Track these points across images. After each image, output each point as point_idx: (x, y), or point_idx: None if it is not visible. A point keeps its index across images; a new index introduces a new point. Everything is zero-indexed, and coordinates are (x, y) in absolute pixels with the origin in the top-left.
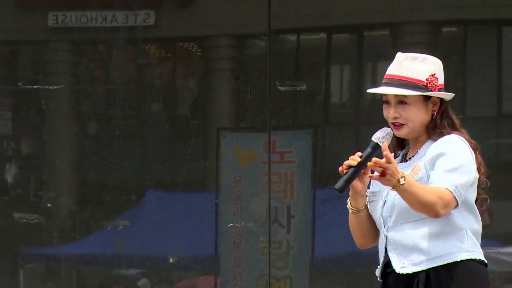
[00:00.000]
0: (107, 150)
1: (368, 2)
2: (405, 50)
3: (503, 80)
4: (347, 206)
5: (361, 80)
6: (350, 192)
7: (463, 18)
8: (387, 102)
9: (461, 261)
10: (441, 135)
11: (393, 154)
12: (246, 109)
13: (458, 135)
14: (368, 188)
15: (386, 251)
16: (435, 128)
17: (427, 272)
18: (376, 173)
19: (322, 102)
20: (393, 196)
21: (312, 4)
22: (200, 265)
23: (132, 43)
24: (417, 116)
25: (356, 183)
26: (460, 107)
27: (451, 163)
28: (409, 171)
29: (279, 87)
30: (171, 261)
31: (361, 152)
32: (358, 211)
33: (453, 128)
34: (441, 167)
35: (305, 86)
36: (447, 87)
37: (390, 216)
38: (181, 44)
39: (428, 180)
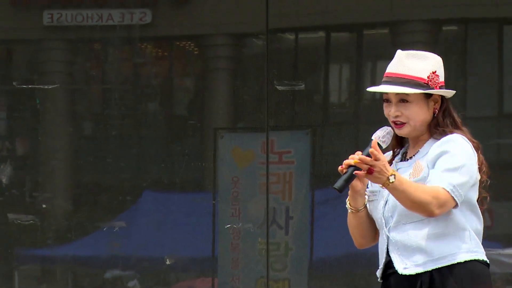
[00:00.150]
0: (103, 150)
1: (367, 1)
2: (405, 49)
3: (504, 79)
4: (346, 206)
5: (361, 79)
6: (349, 192)
7: (463, 17)
8: (387, 101)
9: (465, 261)
10: (444, 133)
11: (391, 152)
12: (244, 108)
13: (460, 135)
14: (368, 187)
15: (387, 251)
16: (437, 127)
17: (430, 273)
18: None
19: (321, 102)
20: None
21: (311, 3)
22: (198, 266)
23: (129, 42)
24: (418, 115)
25: (356, 182)
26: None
27: (452, 163)
28: (410, 170)
29: (277, 87)
30: (168, 262)
31: (361, 151)
32: (358, 210)
33: (455, 126)
34: (441, 166)
35: (303, 86)
36: (447, 86)
37: (391, 216)
38: (178, 43)
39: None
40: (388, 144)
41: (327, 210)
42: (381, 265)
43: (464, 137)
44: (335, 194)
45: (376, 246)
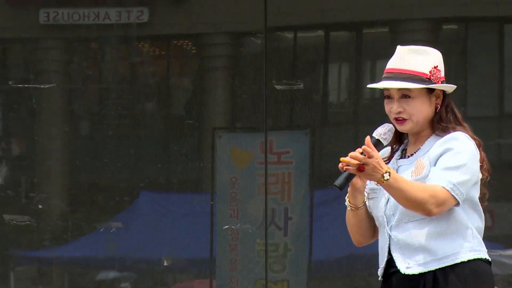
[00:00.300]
0: (99, 151)
1: None
2: (405, 44)
3: (505, 79)
4: (346, 203)
5: (360, 79)
6: (349, 189)
7: (464, 16)
8: (389, 97)
9: (468, 261)
10: (446, 130)
11: (389, 148)
12: (242, 108)
13: (463, 132)
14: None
15: (389, 250)
16: (440, 122)
17: (433, 272)
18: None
19: (320, 102)
20: None
21: (309, 1)
22: (195, 268)
23: (126, 41)
24: (421, 110)
25: (356, 180)
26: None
27: (453, 161)
28: (412, 168)
29: (275, 86)
30: (165, 264)
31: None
32: (357, 208)
33: (457, 122)
34: (442, 164)
35: (302, 85)
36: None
37: (393, 214)
38: (175, 41)
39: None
40: (389, 141)
41: (326, 211)
42: (382, 264)
43: (467, 135)
44: (334, 194)
45: (375, 247)
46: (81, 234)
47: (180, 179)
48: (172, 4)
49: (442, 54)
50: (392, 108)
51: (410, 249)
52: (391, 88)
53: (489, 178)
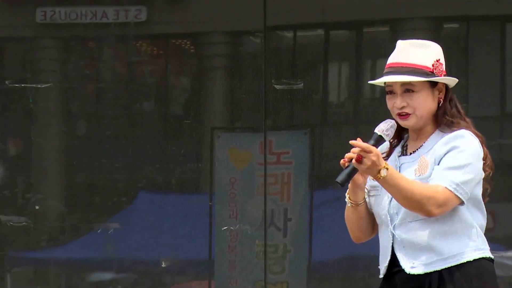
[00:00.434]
0: (97, 151)
1: None
2: (405, 38)
3: (506, 78)
4: (346, 200)
5: (360, 78)
6: (349, 185)
7: (465, 14)
8: (391, 92)
9: (473, 260)
10: (451, 125)
11: (388, 144)
12: (241, 108)
13: (468, 130)
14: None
15: (392, 249)
16: (445, 115)
17: (439, 272)
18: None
19: (320, 101)
20: None
21: (309, 0)
22: (194, 269)
23: (123, 40)
24: (425, 104)
25: (357, 176)
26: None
27: (458, 160)
28: (415, 166)
29: (275, 86)
30: (163, 265)
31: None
32: (357, 204)
33: (461, 117)
34: (446, 163)
35: (302, 85)
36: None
37: (397, 213)
38: (173, 41)
39: None
40: (391, 137)
41: (326, 212)
42: (385, 263)
43: (471, 132)
44: (334, 195)
45: (376, 248)
46: (78, 235)
47: (178, 179)
48: (171, 3)
49: (444, 59)
50: (395, 103)
51: (415, 248)
52: (394, 83)
53: (491, 174)
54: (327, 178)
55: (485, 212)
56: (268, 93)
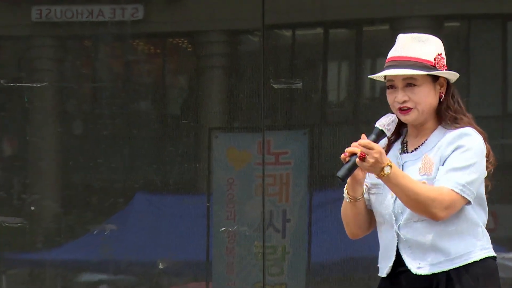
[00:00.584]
0: (93, 151)
1: None
2: (405, 32)
3: (508, 77)
4: (344, 195)
5: (360, 77)
6: (348, 180)
7: (466, 13)
8: (392, 87)
9: (480, 259)
10: (454, 121)
11: (386, 139)
12: (239, 108)
13: (472, 127)
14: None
15: (397, 249)
16: (448, 110)
17: (447, 273)
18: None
19: (319, 101)
20: None
21: None
22: (191, 271)
23: (120, 38)
24: (427, 98)
25: (357, 171)
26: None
27: (463, 160)
28: (419, 164)
29: (273, 85)
30: (160, 266)
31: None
32: (356, 200)
33: (463, 112)
34: (451, 164)
35: (301, 84)
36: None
37: (401, 213)
38: (171, 39)
39: None
40: (392, 132)
41: (325, 213)
42: (390, 263)
43: (475, 130)
44: (334, 196)
45: (376, 249)
46: (74, 236)
47: (175, 180)
48: (168, 1)
49: (445, 54)
50: (396, 97)
51: (421, 248)
52: (395, 77)
53: (492, 170)
54: (327, 179)
55: (487, 209)
56: (267, 92)
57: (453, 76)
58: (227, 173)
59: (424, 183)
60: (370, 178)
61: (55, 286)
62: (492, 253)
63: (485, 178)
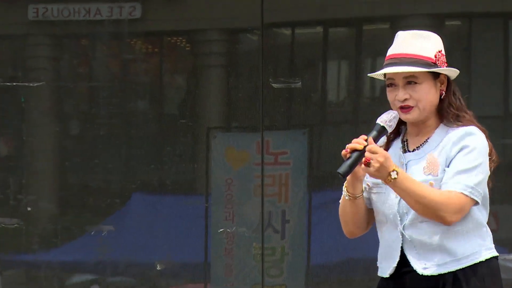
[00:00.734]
0: (90, 151)
1: None
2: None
3: (510, 77)
4: (343, 193)
5: (360, 77)
6: (348, 178)
7: (467, 11)
8: (392, 85)
9: (486, 260)
10: (457, 119)
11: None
12: (238, 107)
13: (475, 125)
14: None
15: (401, 249)
16: (450, 108)
17: (453, 273)
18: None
19: (319, 100)
20: None
21: None
22: (189, 272)
23: (117, 37)
24: (428, 96)
25: (358, 168)
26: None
27: (469, 162)
28: (424, 164)
29: (272, 84)
30: (158, 268)
31: (366, 135)
32: (355, 198)
33: (464, 110)
34: (457, 166)
35: (300, 83)
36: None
37: (407, 213)
38: (169, 38)
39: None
40: (393, 128)
41: (325, 214)
42: (394, 264)
43: (478, 128)
44: (333, 196)
45: (375, 250)
46: (71, 238)
47: (173, 180)
48: (166, 0)
49: (445, 51)
50: (397, 95)
51: (427, 249)
52: (395, 75)
53: (493, 168)
54: (326, 179)
55: (488, 207)
56: (266, 92)
57: (453, 73)
58: (226, 173)
59: (431, 183)
60: (371, 177)
61: (52, 287)
62: (495, 253)
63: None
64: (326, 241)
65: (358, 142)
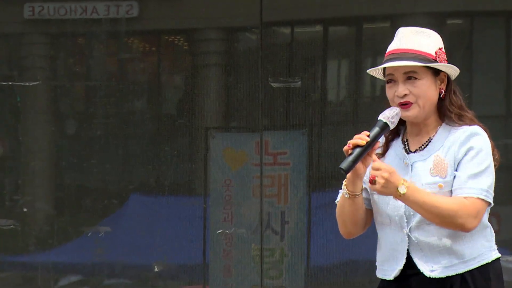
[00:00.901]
0: (87, 151)
1: None
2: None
3: None
4: (343, 191)
5: (360, 76)
6: (348, 175)
7: (469, 10)
8: (392, 81)
9: (491, 261)
10: (459, 118)
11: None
12: (237, 107)
13: (477, 125)
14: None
15: (407, 252)
16: (451, 106)
17: (461, 275)
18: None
19: (318, 100)
20: None
21: None
22: (188, 274)
23: (114, 36)
24: (428, 92)
25: (359, 165)
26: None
27: (478, 165)
28: (430, 164)
29: (271, 84)
30: (156, 270)
31: (368, 132)
32: (355, 196)
33: (465, 109)
34: (467, 170)
35: (299, 83)
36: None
37: (413, 215)
38: (166, 37)
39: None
40: (396, 125)
41: (324, 215)
42: (399, 266)
43: (481, 127)
44: (333, 197)
45: (375, 252)
46: (67, 239)
47: (171, 181)
48: None
49: (446, 50)
50: (396, 91)
51: (433, 251)
52: (395, 70)
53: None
54: (326, 180)
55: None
56: (265, 91)
57: (454, 71)
58: (224, 174)
59: (440, 186)
60: (380, 194)
61: None
62: (499, 254)
63: None
64: (325, 242)
65: (360, 138)
